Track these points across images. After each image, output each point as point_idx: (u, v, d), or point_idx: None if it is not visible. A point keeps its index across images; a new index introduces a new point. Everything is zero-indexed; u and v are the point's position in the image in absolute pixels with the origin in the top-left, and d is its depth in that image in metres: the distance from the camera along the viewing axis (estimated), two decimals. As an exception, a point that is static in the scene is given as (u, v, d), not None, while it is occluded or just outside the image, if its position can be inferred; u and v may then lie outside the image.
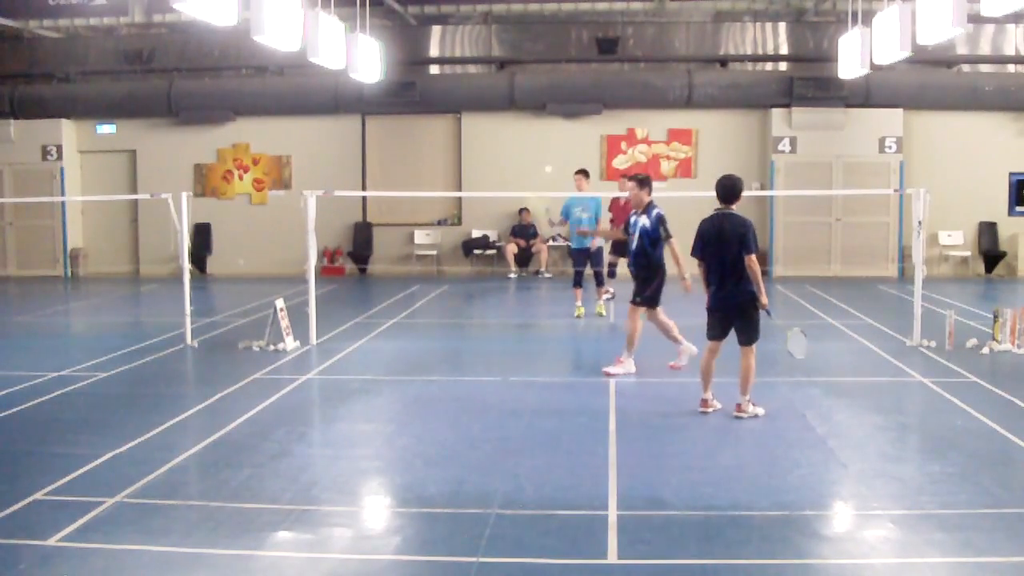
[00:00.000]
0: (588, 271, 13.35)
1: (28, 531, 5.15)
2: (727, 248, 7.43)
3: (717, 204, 7.69)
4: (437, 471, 6.39)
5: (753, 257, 7.37)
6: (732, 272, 7.45)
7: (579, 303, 13.36)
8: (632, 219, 9.35)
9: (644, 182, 9.38)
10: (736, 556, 4.83)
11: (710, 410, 7.73)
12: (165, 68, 19.98)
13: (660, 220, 9.12)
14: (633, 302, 9.33)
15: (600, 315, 13.18)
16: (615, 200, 14.44)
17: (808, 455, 6.63)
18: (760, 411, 7.61)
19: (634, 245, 9.24)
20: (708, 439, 7.15)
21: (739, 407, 7.56)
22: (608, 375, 9.17)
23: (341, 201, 17.69)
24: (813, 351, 10.19)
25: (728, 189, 7.63)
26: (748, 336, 7.55)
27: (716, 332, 7.70)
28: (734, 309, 7.55)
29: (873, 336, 11.47)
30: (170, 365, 10.16)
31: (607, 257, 14.40)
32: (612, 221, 14.38)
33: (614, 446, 6.82)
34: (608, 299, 14.30)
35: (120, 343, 11.18)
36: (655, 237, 9.12)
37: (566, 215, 13.24)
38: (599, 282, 13.25)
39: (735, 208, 7.63)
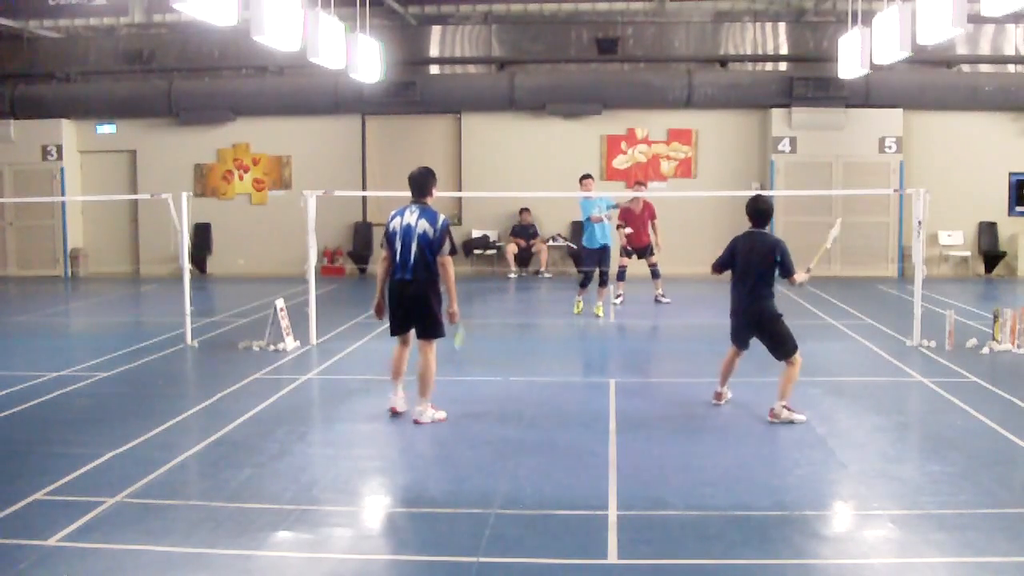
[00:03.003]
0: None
1: (28, 531, 5.15)
2: (755, 266, 7.55)
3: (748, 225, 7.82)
4: (437, 471, 6.40)
5: (796, 278, 7.61)
6: (755, 285, 7.52)
7: (579, 298, 13.48)
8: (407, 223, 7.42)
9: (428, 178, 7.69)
10: (736, 556, 4.84)
11: (722, 402, 7.92)
12: (165, 68, 19.97)
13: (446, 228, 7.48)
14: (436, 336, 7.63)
15: (598, 316, 13.16)
16: (628, 207, 14.45)
17: (808, 455, 6.63)
18: (800, 417, 7.36)
19: (412, 256, 7.33)
20: (708, 439, 7.15)
21: (771, 412, 7.42)
22: (418, 423, 7.54)
23: (341, 201, 17.69)
24: (813, 347, 10.21)
25: (759, 212, 7.74)
26: (781, 351, 7.51)
27: (740, 341, 7.79)
28: (754, 323, 7.58)
29: (873, 336, 11.47)
30: (170, 365, 10.16)
31: (619, 260, 14.40)
32: (619, 227, 14.38)
33: (614, 446, 6.82)
34: (618, 302, 14.30)
35: (120, 343, 11.19)
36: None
37: (586, 217, 13.34)
38: (603, 282, 13.24)
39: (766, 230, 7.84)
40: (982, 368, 9.48)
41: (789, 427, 7.36)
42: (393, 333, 7.72)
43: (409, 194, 7.61)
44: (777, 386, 7.48)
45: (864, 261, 18.59)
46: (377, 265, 7.61)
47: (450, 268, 7.35)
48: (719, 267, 7.88)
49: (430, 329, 7.50)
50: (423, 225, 7.30)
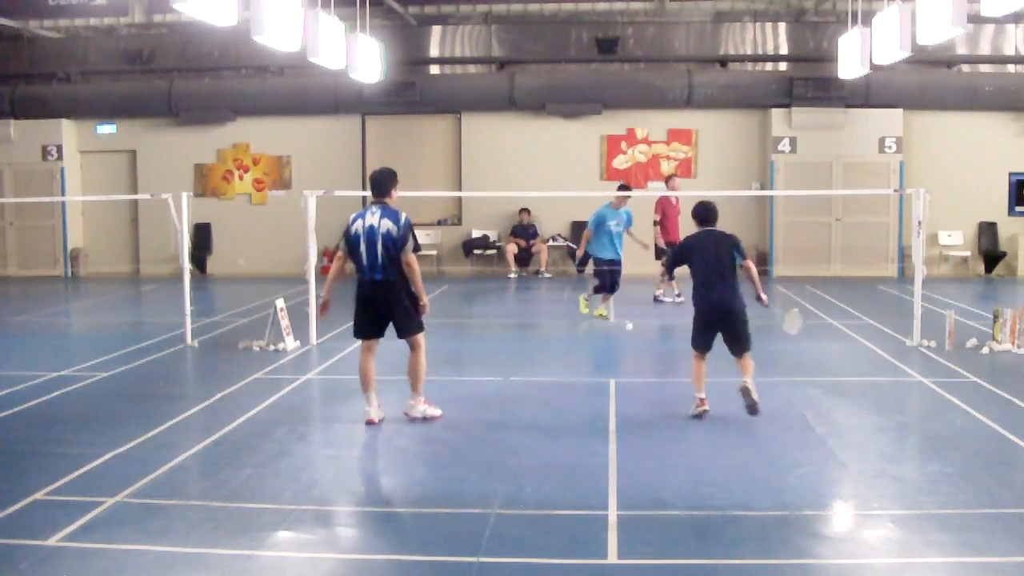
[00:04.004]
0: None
1: (28, 531, 5.15)
2: (719, 258, 7.63)
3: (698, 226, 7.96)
4: (437, 471, 6.40)
5: (748, 262, 7.75)
6: (723, 280, 7.57)
7: (591, 298, 12.98)
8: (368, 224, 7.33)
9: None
10: (736, 556, 4.84)
11: (707, 407, 7.65)
12: (165, 68, 19.99)
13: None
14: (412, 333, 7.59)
15: (602, 317, 13.01)
16: (666, 199, 14.15)
17: (808, 455, 6.63)
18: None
19: (379, 256, 7.29)
20: (708, 439, 7.15)
21: (745, 384, 7.46)
22: (409, 416, 7.61)
23: (341, 201, 17.64)
24: (813, 347, 10.23)
25: (712, 212, 7.92)
26: (744, 345, 7.56)
27: (706, 343, 7.72)
28: (726, 316, 7.57)
29: (873, 336, 11.47)
30: (170, 365, 10.16)
31: (663, 260, 14.02)
32: (659, 223, 14.19)
33: (614, 446, 6.82)
34: (680, 299, 14.07)
35: (120, 343, 11.18)
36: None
37: (597, 226, 12.63)
38: (612, 288, 12.77)
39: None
40: (982, 368, 9.48)
41: (789, 427, 7.38)
42: (358, 335, 7.59)
43: (399, 195, 7.61)
44: (743, 371, 7.50)
45: (864, 261, 18.59)
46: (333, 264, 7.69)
47: (415, 265, 7.34)
48: (671, 267, 8.18)
49: (409, 326, 7.49)
50: (386, 224, 7.27)
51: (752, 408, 7.43)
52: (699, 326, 7.74)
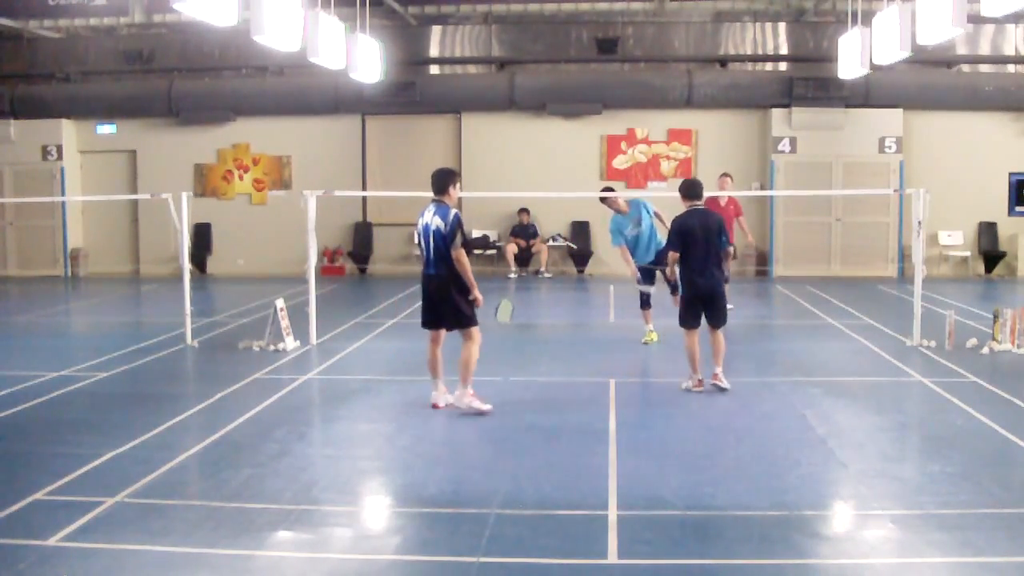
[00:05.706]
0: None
1: (28, 531, 5.15)
2: (711, 239, 8.36)
3: (687, 203, 8.56)
4: (437, 471, 6.40)
5: (731, 248, 8.87)
6: (713, 261, 8.37)
7: (650, 326, 11.09)
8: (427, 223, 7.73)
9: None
10: (736, 556, 4.84)
11: (703, 388, 8.39)
12: (165, 68, 19.98)
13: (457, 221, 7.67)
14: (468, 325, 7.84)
15: (649, 342, 11.14)
16: (714, 200, 12.74)
17: (808, 455, 6.63)
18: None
19: (432, 252, 7.68)
20: (708, 439, 7.15)
21: (716, 376, 8.40)
22: (436, 407, 7.89)
23: (341, 201, 17.71)
24: (813, 347, 10.19)
25: (699, 187, 8.66)
26: (722, 319, 8.50)
27: (695, 321, 8.50)
28: (714, 296, 8.42)
29: (873, 336, 11.46)
30: (170, 365, 10.16)
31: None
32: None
33: (614, 446, 6.82)
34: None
35: (120, 343, 11.18)
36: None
37: (625, 236, 10.94)
38: (674, 289, 10.25)
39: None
40: (982, 368, 9.48)
41: (789, 427, 7.38)
42: (424, 325, 7.96)
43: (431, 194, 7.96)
44: (716, 355, 8.43)
45: (864, 261, 18.59)
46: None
47: (463, 259, 7.62)
48: (679, 251, 8.36)
49: (459, 321, 7.79)
50: (436, 222, 7.65)
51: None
52: (689, 305, 8.48)
